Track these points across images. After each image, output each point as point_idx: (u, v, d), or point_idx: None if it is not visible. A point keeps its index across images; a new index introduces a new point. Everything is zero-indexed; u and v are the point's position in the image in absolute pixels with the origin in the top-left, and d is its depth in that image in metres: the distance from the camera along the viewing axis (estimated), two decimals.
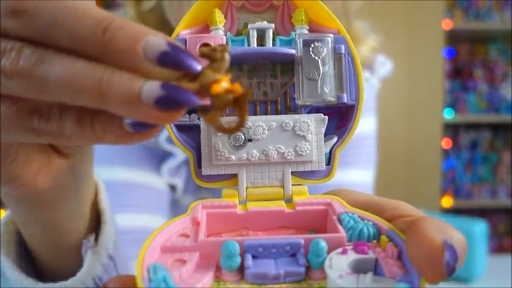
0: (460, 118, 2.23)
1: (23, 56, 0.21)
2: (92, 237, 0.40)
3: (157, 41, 0.21)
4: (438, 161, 2.17)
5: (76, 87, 0.21)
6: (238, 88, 0.22)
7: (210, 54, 0.23)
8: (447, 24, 2.12)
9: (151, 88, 0.20)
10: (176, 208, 0.69)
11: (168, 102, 0.20)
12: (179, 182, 0.66)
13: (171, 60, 0.21)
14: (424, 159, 2.16)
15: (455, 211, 2.19)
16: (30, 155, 0.28)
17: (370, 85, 0.71)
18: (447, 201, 2.21)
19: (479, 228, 1.73)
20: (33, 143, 0.28)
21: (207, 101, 0.22)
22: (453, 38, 2.20)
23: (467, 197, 2.28)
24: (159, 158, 0.65)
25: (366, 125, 0.72)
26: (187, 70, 0.21)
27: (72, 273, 0.39)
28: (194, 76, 0.22)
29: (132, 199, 0.62)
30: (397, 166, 2.14)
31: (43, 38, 0.22)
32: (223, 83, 0.22)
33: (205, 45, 0.30)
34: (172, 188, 0.67)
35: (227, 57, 0.23)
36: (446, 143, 2.25)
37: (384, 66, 0.73)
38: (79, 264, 0.40)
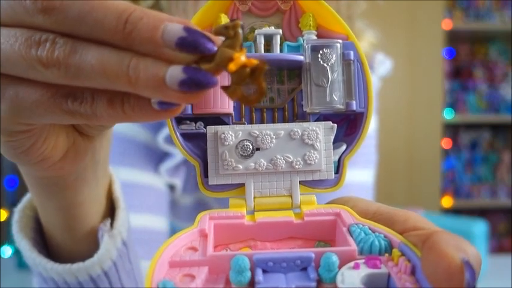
0: (460, 118, 2.23)
1: (57, 46, 0.23)
2: (108, 222, 0.42)
3: (174, 27, 0.22)
4: (438, 161, 2.17)
5: (107, 74, 0.23)
6: (253, 61, 0.23)
7: (223, 32, 0.23)
8: (447, 24, 2.12)
9: (175, 72, 0.22)
10: (175, 208, 0.69)
11: (190, 84, 0.22)
12: (178, 182, 0.66)
13: (189, 44, 0.22)
14: (424, 159, 2.16)
15: (455, 211, 2.19)
16: (59, 138, 0.31)
17: None
18: (447, 201, 2.21)
19: (479, 228, 1.72)
20: (61, 126, 0.31)
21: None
22: (453, 38, 2.20)
23: (467, 197, 2.28)
24: (158, 158, 0.65)
25: None
26: (203, 52, 0.23)
27: (87, 258, 0.40)
28: (212, 55, 0.23)
29: (131, 199, 0.62)
30: (397, 166, 2.14)
31: (71, 31, 0.23)
32: (241, 58, 0.23)
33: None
34: (171, 187, 0.67)
35: (240, 32, 0.23)
36: (446, 143, 2.25)
37: (384, 64, 0.72)
38: (93, 249, 0.41)
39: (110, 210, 0.44)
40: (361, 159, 0.70)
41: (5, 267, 1.76)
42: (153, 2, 0.60)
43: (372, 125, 0.73)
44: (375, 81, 0.72)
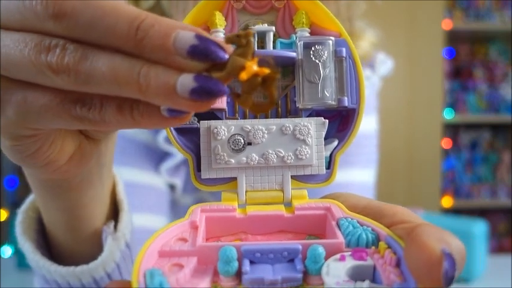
0: (460, 118, 2.23)
1: (68, 52, 0.23)
2: (112, 224, 0.42)
3: (186, 35, 0.22)
4: (438, 161, 2.17)
5: (117, 81, 0.23)
6: (265, 70, 0.23)
7: (236, 41, 0.24)
8: (447, 24, 2.12)
9: (186, 81, 0.22)
10: (176, 208, 0.69)
11: (201, 93, 0.22)
12: (178, 182, 0.66)
13: (200, 52, 0.22)
14: (424, 159, 2.16)
15: (455, 211, 2.18)
16: (65, 141, 0.30)
17: (371, 83, 0.70)
18: (447, 201, 2.21)
19: (479, 228, 1.72)
20: (68, 130, 0.31)
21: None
22: (453, 38, 2.20)
23: (467, 197, 2.28)
24: (158, 157, 0.65)
25: (367, 124, 0.71)
26: (215, 61, 0.23)
27: (90, 260, 0.41)
28: (223, 64, 0.23)
29: (132, 199, 0.62)
30: (397, 166, 2.14)
31: (82, 37, 0.23)
32: (253, 67, 0.23)
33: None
34: (172, 187, 0.67)
35: (252, 41, 0.23)
36: (446, 143, 2.25)
37: (385, 64, 0.72)
38: (96, 251, 0.41)
39: (113, 212, 0.44)
40: (362, 159, 0.70)
41: (5, 267, 1.76)
42: (153, 2, 0.60)
43: (372, 125, 0.73)
44: (375, 81, 0.71)
